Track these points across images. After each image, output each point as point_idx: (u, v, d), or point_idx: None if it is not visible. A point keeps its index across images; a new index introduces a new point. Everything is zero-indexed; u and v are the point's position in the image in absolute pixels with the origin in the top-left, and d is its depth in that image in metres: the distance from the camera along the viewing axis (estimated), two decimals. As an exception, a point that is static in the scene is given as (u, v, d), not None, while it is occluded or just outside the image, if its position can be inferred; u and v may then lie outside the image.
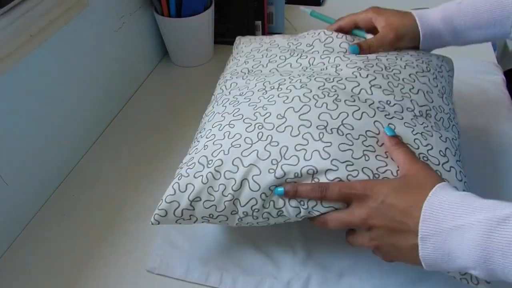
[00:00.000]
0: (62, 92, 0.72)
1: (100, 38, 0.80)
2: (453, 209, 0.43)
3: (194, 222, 0.56)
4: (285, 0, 1.08)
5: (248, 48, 0.73)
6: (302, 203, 0.52)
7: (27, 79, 0.64)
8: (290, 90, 0.58)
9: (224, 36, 1.05)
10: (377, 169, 0.51)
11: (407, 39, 0.64)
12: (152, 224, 0.55)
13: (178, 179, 0.55)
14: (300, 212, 0.53)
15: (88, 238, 0.64)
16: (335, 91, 0.57)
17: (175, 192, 0.54)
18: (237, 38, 0.79)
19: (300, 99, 0.56)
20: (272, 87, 0.60)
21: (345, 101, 0.56)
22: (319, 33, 0.69)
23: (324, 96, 0.56)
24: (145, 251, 0.62)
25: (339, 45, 0.66)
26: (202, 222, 0.56)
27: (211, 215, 0.54)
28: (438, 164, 0.52)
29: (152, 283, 0.58)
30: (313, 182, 0.51)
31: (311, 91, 0.57)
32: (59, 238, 0.65)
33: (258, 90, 0.61)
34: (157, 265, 0.60)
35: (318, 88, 0.58)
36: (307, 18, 0.92)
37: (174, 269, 0.59)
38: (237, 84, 0.65)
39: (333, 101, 0.56)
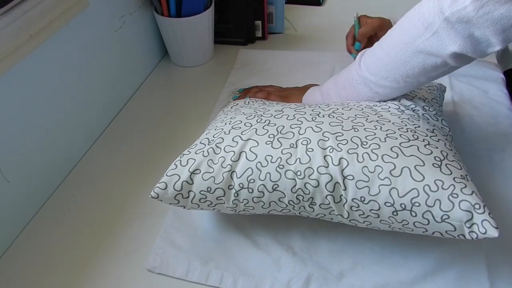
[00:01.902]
0: (62, 92, 0.72)
1: (100, 38, 0.80)
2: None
3: (191, 201, 0.57)
4: (285, 0, 1.08)
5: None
6: (298, 173, 0.54)
7: (28, 79, 0.64)
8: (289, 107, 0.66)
9: (224, 36, 1.05)
10: (365, 137, 0.55)
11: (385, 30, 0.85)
12: (152, 197, 0.57)
13: (180, 157, 0.59)
14: (296, 184, 0.54)
15: (88, 238, 0.65)
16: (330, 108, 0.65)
17: (176, 167, 0.58)
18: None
19: (295, 104, 0.65)
20: (271, 103, 0.70)
21: (335, 104, 0.64)
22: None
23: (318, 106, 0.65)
24: (145, 251, 0.62)
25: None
26: (199, 202, 0.57)
27: (209, 189, 0.56)
28: (426, 136, 0.56)
29: (152, 282, 0.58)
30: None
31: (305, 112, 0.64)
32: (59, 238, 0.65)
33: (258, 104, 0.69)
34: (158, 265, 0.60)
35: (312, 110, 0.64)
36: (307, 18, 0.92)
37: (174, 268, 0.59)
38: (238, 103, 0.73)
39: (326, 105, 0.64)
